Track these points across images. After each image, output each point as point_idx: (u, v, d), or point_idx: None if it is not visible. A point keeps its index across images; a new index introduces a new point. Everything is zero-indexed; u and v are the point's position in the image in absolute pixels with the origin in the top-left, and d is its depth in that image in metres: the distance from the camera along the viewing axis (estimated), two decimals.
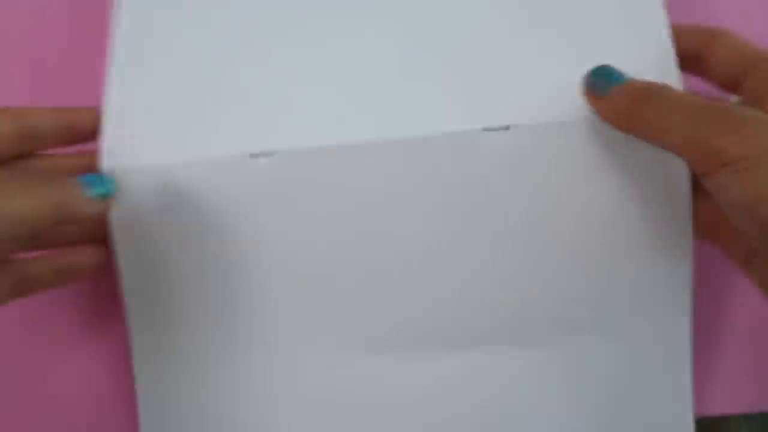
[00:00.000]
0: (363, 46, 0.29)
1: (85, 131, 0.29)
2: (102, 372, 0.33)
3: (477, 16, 0.30)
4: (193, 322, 0.31)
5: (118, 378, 0.33)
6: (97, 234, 0.29)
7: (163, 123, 0.30)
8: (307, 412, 0.31)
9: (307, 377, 0.31)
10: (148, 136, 0.29)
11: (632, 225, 0.29)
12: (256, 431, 0.31)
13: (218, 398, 0.31)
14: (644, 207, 0.29)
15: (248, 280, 0.30)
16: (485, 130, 0.28)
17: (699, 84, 0.29)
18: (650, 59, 0.28)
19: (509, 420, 0.31)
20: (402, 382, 0.31)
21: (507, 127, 0.28)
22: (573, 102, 0.28)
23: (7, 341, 0.33)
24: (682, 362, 0.30)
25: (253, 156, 0.29)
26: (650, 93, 0.26)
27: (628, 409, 0.31)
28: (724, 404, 0.31)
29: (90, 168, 0.29)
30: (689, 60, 0.29)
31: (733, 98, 0.29)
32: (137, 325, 0.31)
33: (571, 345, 0.30)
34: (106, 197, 0.28)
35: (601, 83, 0.27)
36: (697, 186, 0.27)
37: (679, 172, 0.28)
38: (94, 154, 0.29)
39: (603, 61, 0.28)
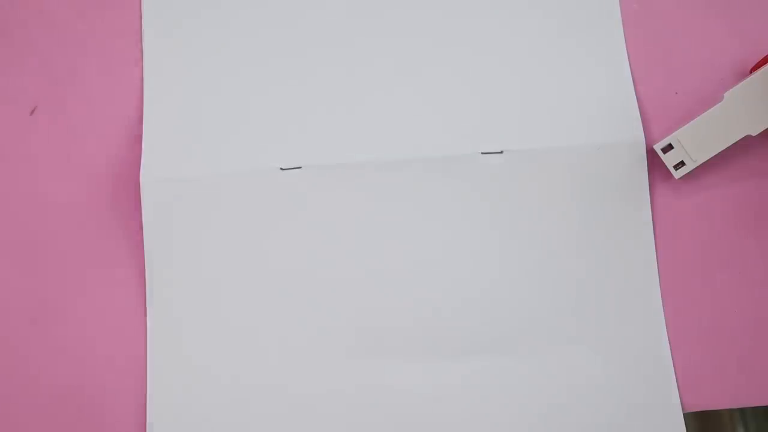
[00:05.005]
0: (382, 78, 0.35)
1: None
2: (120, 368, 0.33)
3: (477, 61, 0.35)
4: (213, 326, 0.33)
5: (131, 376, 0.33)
6: None
7: (198, 139, 0.34)
8: (313, 412, 0.32)
9: (315, 379, 0.32)
10: (184, 150, 0.34)
11: (604, 237, 0.33)
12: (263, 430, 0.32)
13: (231, 399, 0.32)
14: (614, 221, 0.33)
15: (270, 285, 0.33)
16: (483, 153, 0.34)
17: (692, 84, 0.34)
18: (611, 95, 0.34)
19: (502, 425, 0.32)
20: (402, 387, 0.32)
21: (501, 152, 0.34)
22: (556, 130, 0.34)
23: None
24: (663, 359, 0.32)
25: (283, 169, 0.33)
26: None
27: (618, 411, 0.32)
28: (720, 398, 0.32)
29: None
30: None
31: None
32: (155, 327, 0.33)
33: (557, 354, 0.33)
34: None
35: None
36: None
37: (641, 190, 0.33)
38: None
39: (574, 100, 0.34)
